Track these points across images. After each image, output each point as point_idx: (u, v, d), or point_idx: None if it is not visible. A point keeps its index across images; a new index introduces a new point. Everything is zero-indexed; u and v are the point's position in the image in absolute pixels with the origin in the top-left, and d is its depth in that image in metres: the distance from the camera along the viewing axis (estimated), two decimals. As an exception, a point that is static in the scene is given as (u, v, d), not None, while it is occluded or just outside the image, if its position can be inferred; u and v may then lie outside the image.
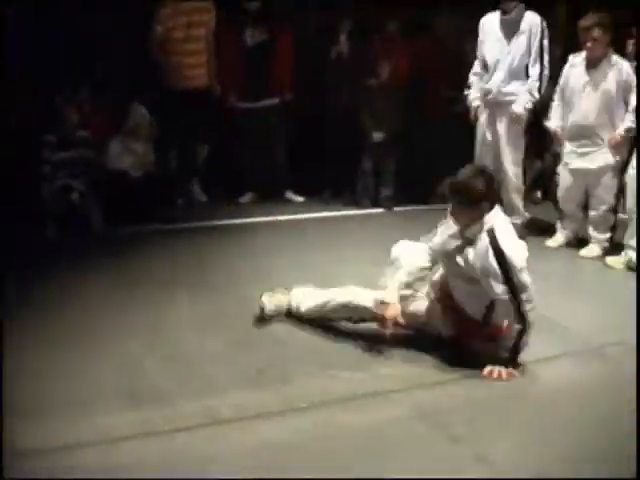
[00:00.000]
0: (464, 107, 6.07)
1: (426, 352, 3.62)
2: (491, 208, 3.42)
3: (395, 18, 6.91)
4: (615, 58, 5.28)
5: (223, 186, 7.01)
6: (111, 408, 3.06)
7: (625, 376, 3.45)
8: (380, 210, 6.79)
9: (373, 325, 3.72)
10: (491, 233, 3.35)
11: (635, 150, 5.06)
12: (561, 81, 5.55)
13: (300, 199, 7.01)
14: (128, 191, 5.96)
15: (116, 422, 2.94)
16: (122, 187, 5.96)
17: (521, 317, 3.34)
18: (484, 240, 3.35)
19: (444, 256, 3.58)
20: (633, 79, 5.21)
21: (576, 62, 5.42)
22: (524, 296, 3.32)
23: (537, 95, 5.65)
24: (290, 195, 7.02)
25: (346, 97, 6.71)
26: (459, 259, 3.46)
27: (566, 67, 5.51)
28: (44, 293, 4.33)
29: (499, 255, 3.30)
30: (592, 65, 5.31)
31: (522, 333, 3.37)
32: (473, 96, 5.96)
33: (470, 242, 3.42)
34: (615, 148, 5.29)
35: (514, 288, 3.31)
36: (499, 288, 3.33)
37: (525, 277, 3.33)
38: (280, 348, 3.70)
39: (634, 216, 4.98)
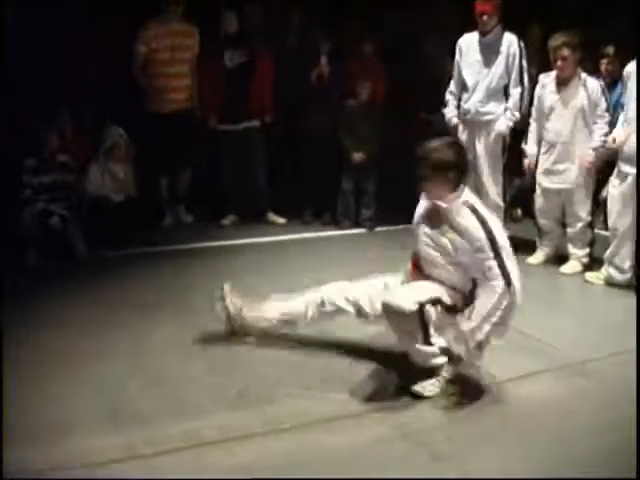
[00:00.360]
0: (441, 127, 6.11)
1: (407, 369, 3.60)
2: (460, 181, 3.35)
3: (374, 40, 6.99)
4: (584, 76, 5.34)
5: (207, 207, 7.02)
6: (93, 431, 3.04)
7: (606, 391, 3.49)
8: (361, 231, 6.80)
9: (355, 345, 3.73)
10: (471, 207, 3.31)
11: (616, 167, 5.07)
12: (535, 102, 5.61)
13: (281, 220, 6.99)
14: (110, 215, 5.93)
15: (98, 445, 2.92)
16: (104, 211, 5.94)
17: (507, 278, 3.21)
18: (465, 213, 3.29)
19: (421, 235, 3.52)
20: (600, 97, 5.29)
21: (547, 82, 5.48)
22: (504, 254, 3.23)
23: (518, 114, 5.75)
24: (271, 217, 7.02)
25: (327, 118, 6.73)
26: (444, 240, 3.37)
27: (538, 87, 5.57)
28: (26, 317, 4.28)
29: (483, 223, 3.24)
30: (562, 84, 5.37)
31: (511, 299, 3.23)
32: (450, 114, 6.05)
33: (452, 225, 3.33)
34: (587, 169, 5.32)
35: (498, 250, 3.21)
36: (489, 255, 3.23)
37: (503, 239, 3.28)
38: (262, 369, 3.69)
39: (617, 233, 4.98)
